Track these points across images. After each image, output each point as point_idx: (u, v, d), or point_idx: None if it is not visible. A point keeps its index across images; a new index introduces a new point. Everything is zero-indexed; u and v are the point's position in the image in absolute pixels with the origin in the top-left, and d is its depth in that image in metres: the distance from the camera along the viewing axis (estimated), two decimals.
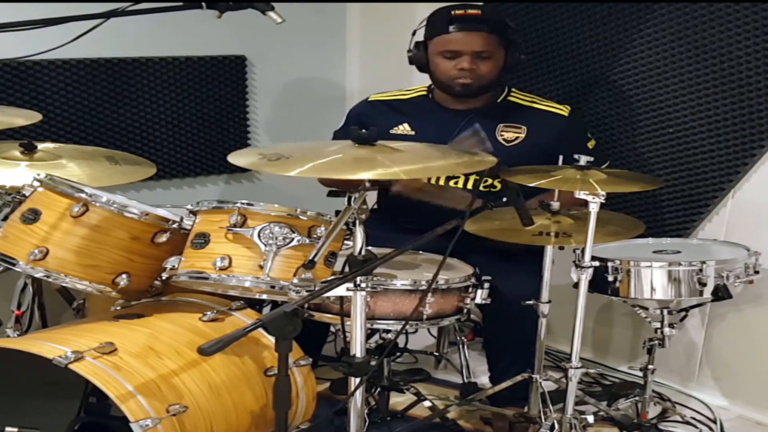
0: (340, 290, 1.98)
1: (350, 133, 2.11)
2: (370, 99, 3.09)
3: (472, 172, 2.82)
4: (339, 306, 2.24)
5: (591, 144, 2.86)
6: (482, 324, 2.93)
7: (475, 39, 2.80)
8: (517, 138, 2.87)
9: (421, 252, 2.72)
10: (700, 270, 2.53)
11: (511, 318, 2.64)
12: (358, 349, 2.02)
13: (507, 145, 2.86)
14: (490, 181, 2.82)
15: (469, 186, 2.87)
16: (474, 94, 2.87)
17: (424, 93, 3.02)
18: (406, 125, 2.95)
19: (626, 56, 3.05)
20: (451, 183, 2.89)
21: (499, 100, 2.94)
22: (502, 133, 2.88)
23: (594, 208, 2.27)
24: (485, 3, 2.94)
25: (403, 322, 2.39)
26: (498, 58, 2.84)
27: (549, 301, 2.55)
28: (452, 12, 2.83)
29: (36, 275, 2.26)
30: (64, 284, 2.32)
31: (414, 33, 2.91)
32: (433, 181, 2.90)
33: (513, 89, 2.97)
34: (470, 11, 2.82)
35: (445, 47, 2.83)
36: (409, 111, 2.99)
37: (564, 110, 2.91)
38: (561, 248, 2.67)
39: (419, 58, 2.91)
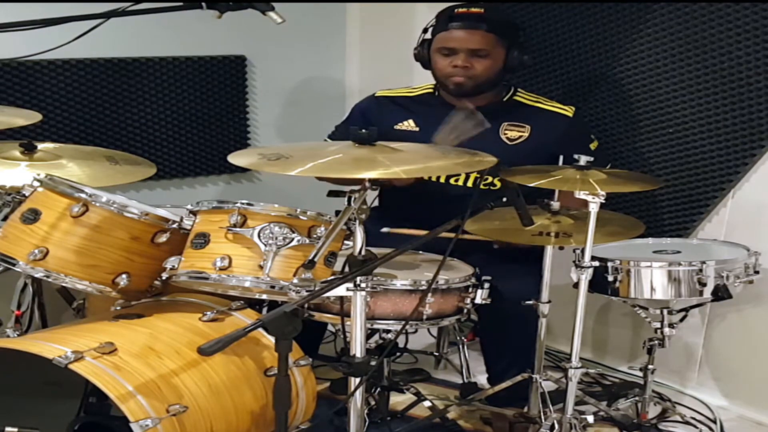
0: (340, 290, 1.98)
1: (350, 132, 2.12)
2: (376, 95, 3.10)
3: (472, 171, 2.82)
4: (339, 306, 2.24)
5: (593, 145, 2.87)
6: (479, 324, 2.93)
7: (472, 37, 2.80)
8: (520, 137, 2.88)
9: (421, 252, 2.72)
10: (700, 270, 2.53)
11: (510, 318, 2.64)
12: (358, 349, 2.02)
13: (510, 143, 2.87)
14: (490, 179, 2.83)
15: (470, 184, 2.87)
16: (469, 93, 2.87)
17: (431, 90, 3.02)
18: (411, 121, 2.96)
19: (626, 56, 3.05)
20: (452, 181, 2.90)
21: (504, 99, 2.95)
22: (506, 132, 2.88)
23: (594, 208, 2.27)
24: (488, 2, 2.93)
25: (403, 322, 2.39)
26: (496, 58, 2.84)
27: (549, 301, 2.55)
28: (455, 10, 2.84)
29: (36, 275, 2.26)
30: (64, 284, 2.32)
31: (425, 31, 2.92)
32: (433, 179, 2.91)
33: (519, 89, 2.98)
34: (473, 9, 2.83)
35: (443, 44, 2.84)
36: (414, 108, 3.00)
37: (569, 111, 2.92)
38: (561, 248, 2.67)
39: (422, 56, 2.92)
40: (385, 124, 2.91)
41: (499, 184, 2.82)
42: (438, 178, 2.90)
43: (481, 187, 2.82)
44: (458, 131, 2.70)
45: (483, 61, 2.82)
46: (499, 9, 3.03)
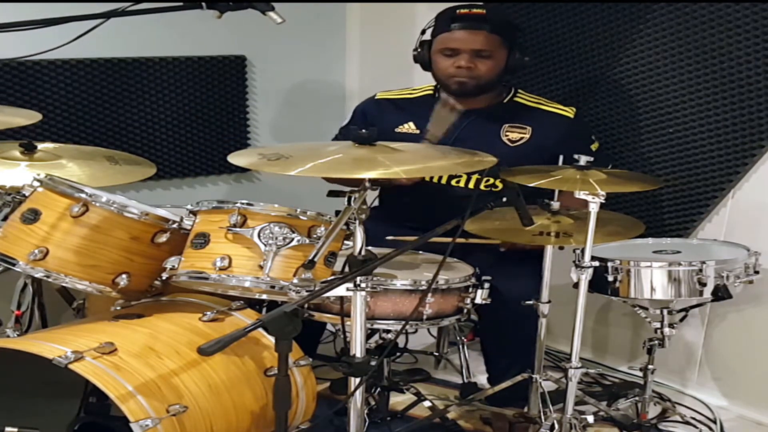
0: (340, 290, 1.98)
1: (350, 132, 2.12)
2: (377, 97, 3.09)
3: (472, 172, 2.82)
4: (339, 306, 2.24)
5: (594, 146, 2.87)
6: (479, 324, 2.93)
7: (475, 37, 2.81)
8: (521, 138, 2.88)
9: (421, 252, 2.72)
10: (700, 270, 2.53)
11: (511, 318, 2.64)
12: (358, 349, 2.03)
13: (511, 145, 2.87)
14: (491, 180, 2.83)
15: (471, 185, 2.87)
16: (471, 93, 2.87)
17: (431, 92, 3.02)
18: (411, 124, 2.96)
19: (626, 56, 3.05)
20: (453, 182, 2.90)
21: (505, 101, 2.95)
22: (507, 134, 2.88)
23: (594, 208, 2.27)
24: (487, 3, 2.94)
25: (403, 322, 2.39)
26: (499, 59, 2.84)
27: (549, 301, 2.56)
28: (457, 11, 2.84)
29: (36, 275, 2.26)
30: (64, 284, 2.32)
31: (423, 32, 2.92)
32: (435, 180, 2.91)
33: (519, 90, 2.98)
34: (475, 10, 2.83)
35: (445, 45, 2.84)
36: (414, 110, 3.00)
37: (569, 112, 2.92)
38: (561, 248, 2.67)
39: (422, 57, 2.92)
40: (386, 126, 2.91)
41: (501, 186, 2.82)
42: (440, 179, 2.90)
43: (482, 188, 2.82)
44: (443, 122, 2.72)
45: (486, 61, 2.82)
46: (499, 10, 3.03)
